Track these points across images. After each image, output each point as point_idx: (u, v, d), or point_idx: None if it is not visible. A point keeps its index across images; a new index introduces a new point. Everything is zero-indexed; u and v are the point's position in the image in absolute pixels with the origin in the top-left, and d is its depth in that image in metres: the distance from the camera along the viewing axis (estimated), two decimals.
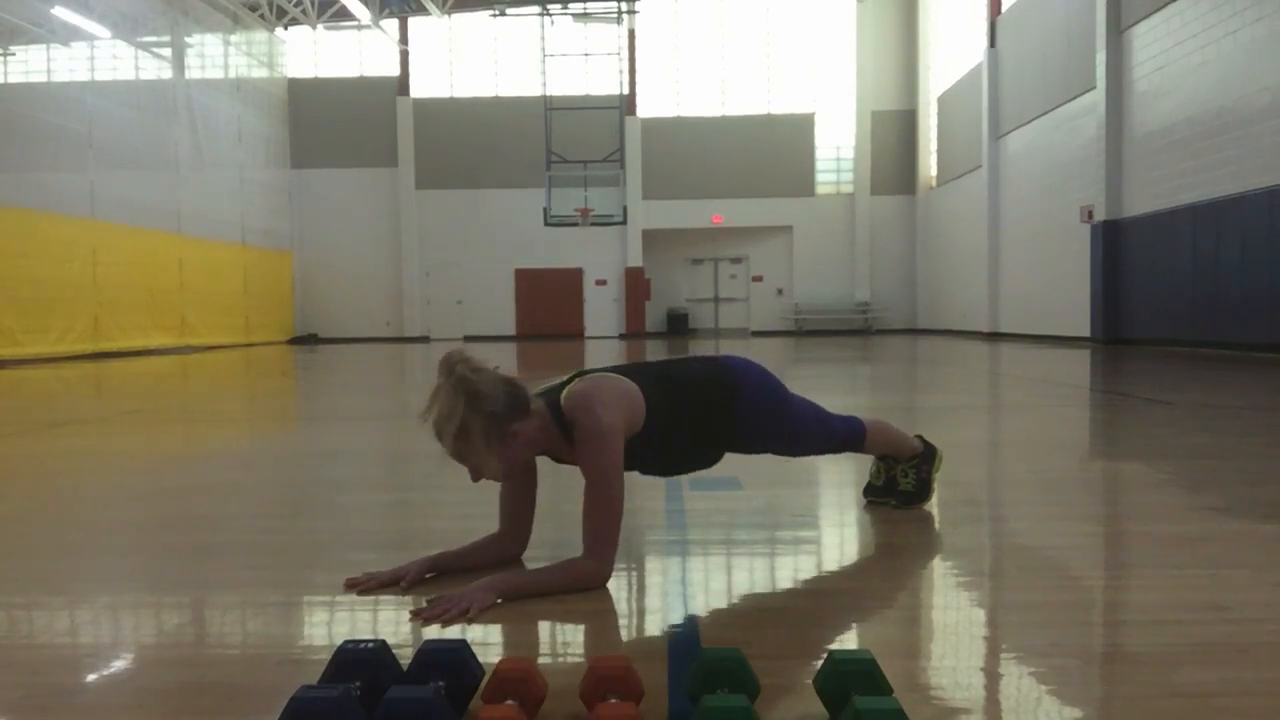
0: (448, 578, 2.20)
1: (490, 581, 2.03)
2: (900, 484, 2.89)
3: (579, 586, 2.09)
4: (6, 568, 2.50)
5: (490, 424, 2.07)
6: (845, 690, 1.37)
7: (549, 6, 23.09)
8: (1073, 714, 1.48)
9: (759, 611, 2.04)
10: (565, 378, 2.32)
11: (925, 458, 2.88)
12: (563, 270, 26.04)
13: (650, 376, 2.36)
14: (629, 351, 16.82)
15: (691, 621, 1.93)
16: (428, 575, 2.20)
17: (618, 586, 2.19)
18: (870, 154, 26.34)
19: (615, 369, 2.38)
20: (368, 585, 2.14)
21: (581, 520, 2.14)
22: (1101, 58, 14.95)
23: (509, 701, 1.38)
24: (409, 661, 1.50)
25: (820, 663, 1.45)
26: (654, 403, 2.29)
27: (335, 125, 25.86)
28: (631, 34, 25.44)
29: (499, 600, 2.00)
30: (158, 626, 1.98)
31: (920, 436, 2.91)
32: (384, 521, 3.08)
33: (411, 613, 1.97)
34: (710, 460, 2.59)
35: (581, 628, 1.93)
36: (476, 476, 2.17)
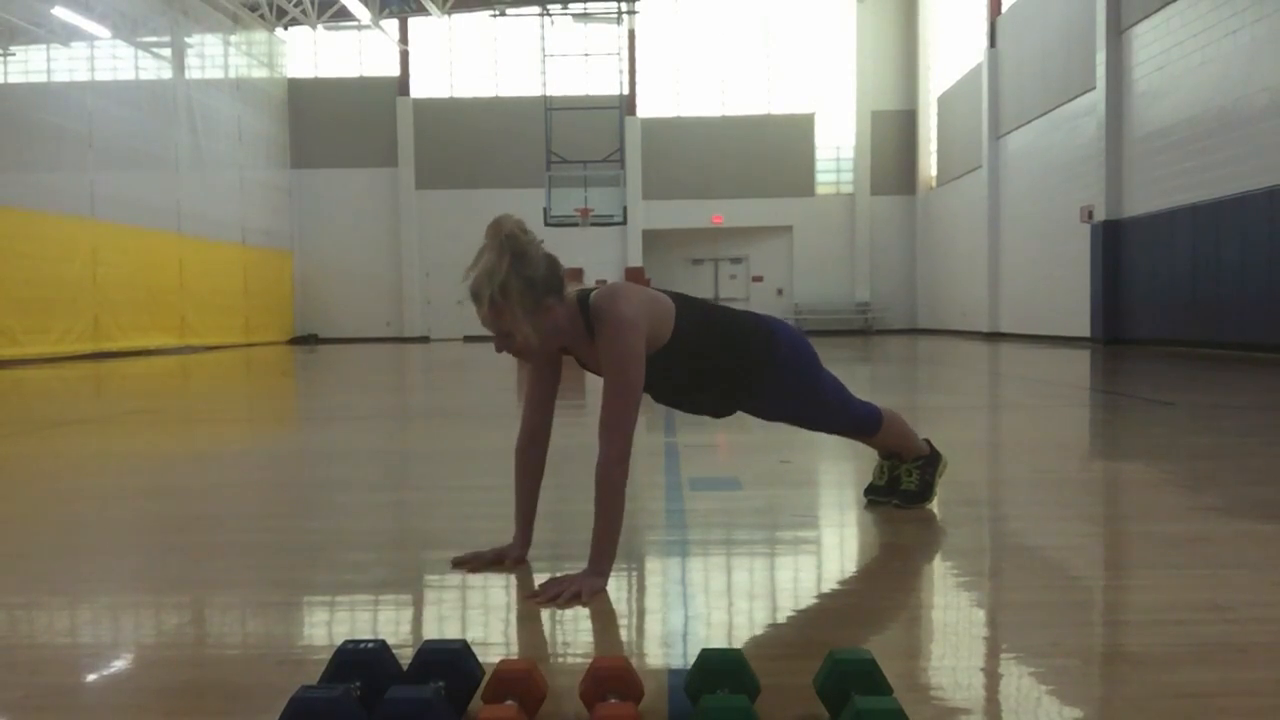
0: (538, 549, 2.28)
1: (591, 567, 2.10)
2: (904, 484, 2.89)
3: (617, 485, 2.13)
4: (6, 568, 2.50)
5: (528, 290, 2.10)
6: (845, 690, 1.37)
7: (549, 6, 23.09)
8: (1073, 714, 1.48)
9: (759, 611, 2.04)
10: (597, 284, 2.36)
11: (930, 461, 2.89)
12: (562, 270, 26.01)
13: (694, 305, 2.40)
14: None
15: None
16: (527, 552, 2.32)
17: (617, 586, 2.19)
18: (870, 154, 26.34)
19: (664, 292, 2.41)
20: (475, 565, 2.27)
21: (601, 407, 2.16)
22: (1101, 58, 14.95)
23: (509, 701, 1.38)
24: (409, 661, 1.50)
25: (820, 663, 1.45)
26: (688, 325, 2.32)
27: (335, 125, 25.86)
28: (631, 34, 25.44)
29: (606, 581, 2.10)
30: (158, 626, 1.98)
31: (928, 441, 2.92)
32: (384, 521, 3.08)
33: (526, 595, 2.07)
34: (725, 409, 2.61)
35: (581, 628, 1.93)
36: (502, 345, 2.18)
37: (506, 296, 2.08)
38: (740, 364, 2.47)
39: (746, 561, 2.45)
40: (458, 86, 26.30)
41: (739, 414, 2.71)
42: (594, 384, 7.69)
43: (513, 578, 2.24)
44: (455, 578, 2.24)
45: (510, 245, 2.09)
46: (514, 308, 2.09)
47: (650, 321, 2.24)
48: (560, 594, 2.01)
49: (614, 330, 2.15)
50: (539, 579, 2.21)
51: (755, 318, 2.57)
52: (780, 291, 26.88)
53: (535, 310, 2.12)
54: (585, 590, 2.03)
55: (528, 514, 2.37)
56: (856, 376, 9.87)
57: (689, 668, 1.47)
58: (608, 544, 2.13)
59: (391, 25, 25.61)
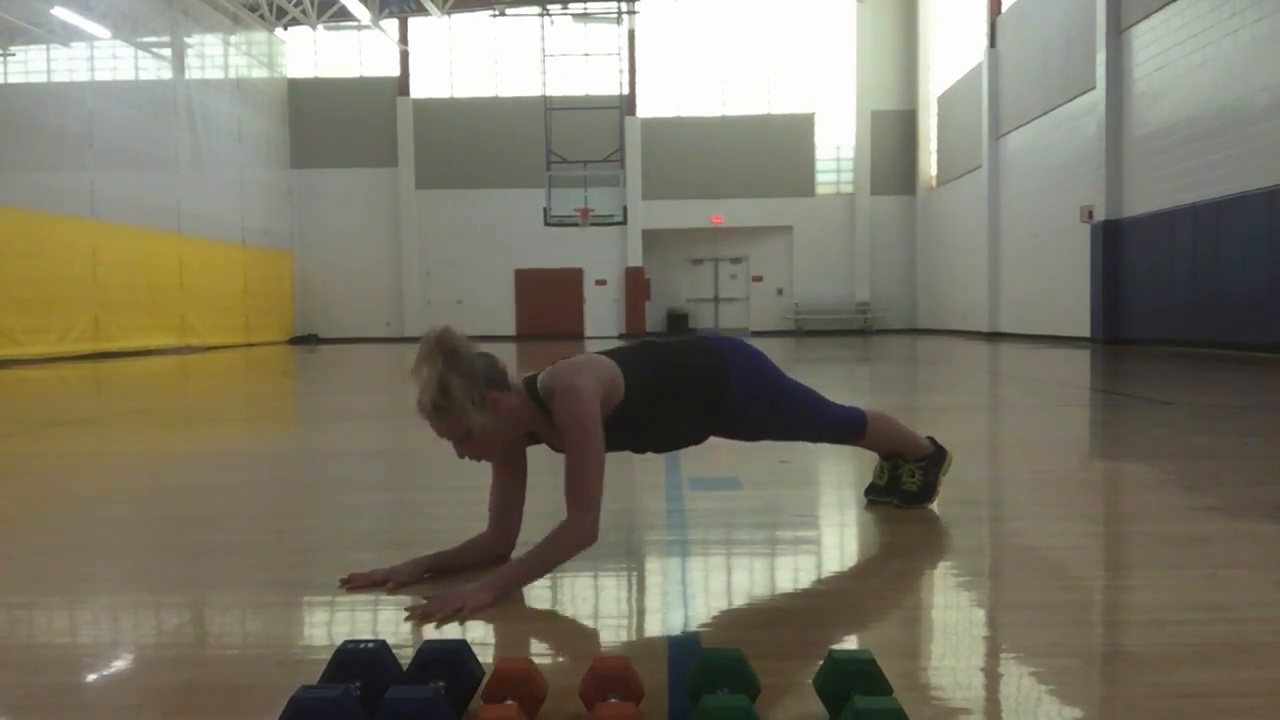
0: (443, 578, 2.20)
1: (487, 581, 2.03)
2: (904, 483, 2.88)
3: (570, 553, 2.10)
4: (6, 568, 2.50)
5: (469, 384, 2.10)
6: (845, 690, 1.37)
7: (549, 6, 23.08)
8: (1073, 714, 1.48)
9: (759, 611, 2.04)
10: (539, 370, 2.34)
11: (934, 459, 2.87)
12: (563, 270, 26.04)
13: (635, 358, 2.39)
14: None
15: (693, 636, 1.93)
16: (425, 575, 2.20)
17: (618, 586, 2.19)
18: (870, 154, 26.33)
19: (604, 354, 2.41)
20: (358, 582, 2.15)
21: (564, 480, 2.14)
22: (1101, 58, 14.94)
23: (509, 701, 1.38)
24: (409, 661, 1.50)
25: (820, 663, 1.45)
26: (638, 381, 2.32)
27: (335, 125, 25.86)
28: (631, 34, 25.44)
29: (494, 601, 1.99)
30: (158, 626, 1.99)
31: (932, 438, 2.91)
32: (384, 521, 3.08)
33: (407, 610, 1.98)
34: (699, 435, 2.60)
35: (582, 628, 1.93)
36: (463, 450, 2.17)
37: (448, 395, 2.08)
38: (699, 387, 2.47)
39: (746, 561, 2.45)
40: (458, 86, 26.30)
41: None
42: None
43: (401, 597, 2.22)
44: (449, 579, 2.23)
45: (440, 347, 2.10)
46: (460, 403, 2.09)
47: (602, 384, 2.23)
48: (443, 609, 1.92)
49: (567, 400, 2.16)
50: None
51: (702, 341, 2.59)
52: (780, 291, 26.87)
53: (482, 404, 2.12)
54: (468, 605, 1.93)
55: (446, 558, 2.26)
56: (856, 376, 9.87)
57: (689, 668, 1.47)
58: (518, 578, 2.08)
59: (391, 25, 25.60)
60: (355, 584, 2.15)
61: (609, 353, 2.40)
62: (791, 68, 26.31)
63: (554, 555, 2.10)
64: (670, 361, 2.46)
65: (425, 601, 1.97)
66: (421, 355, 2.12)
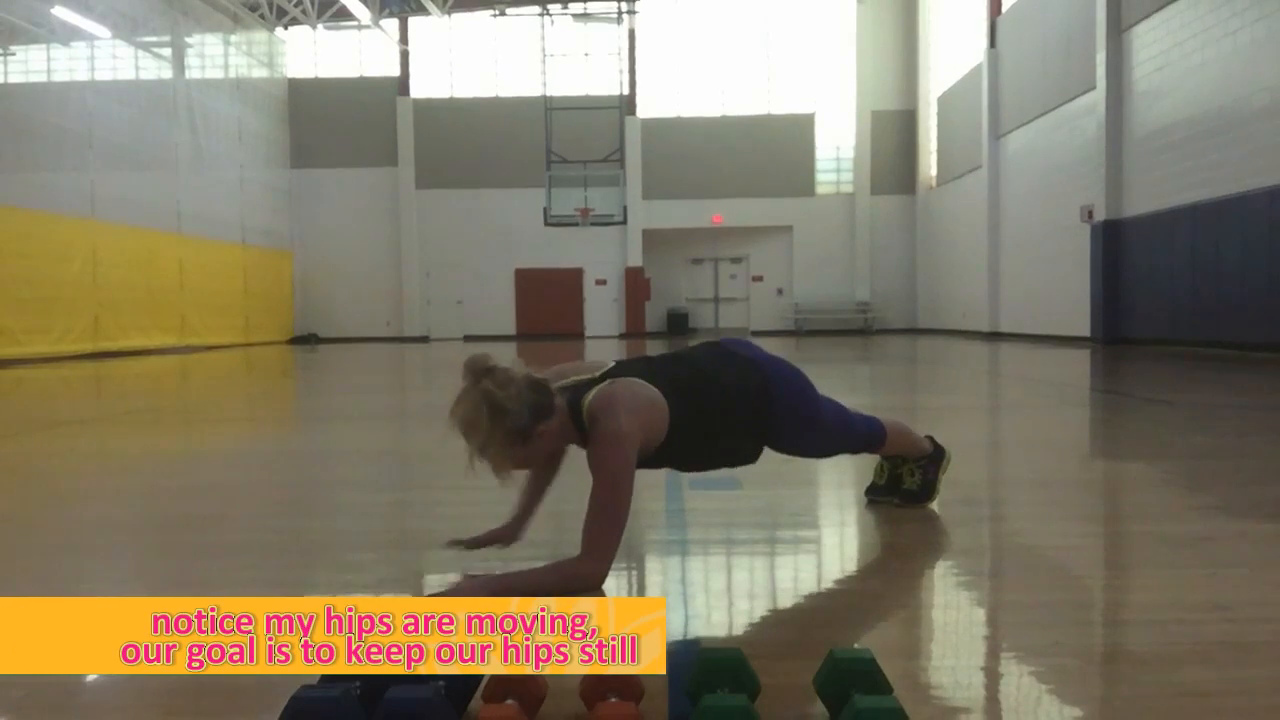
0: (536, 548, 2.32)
1: (482, 581, 2.03)
2: (905, 483, 2.88)
3: (573, 588, 2.04)
4: (6, 568, 2.50)
5: (514, 436, 2.08)
6: (845, 690, 1.37)
7: (549, 6, 23.10)
8: (1073, 714, 1.48)
9: (759, 611, 2.04)
10: (596, 374, 2.27)
11: (934, 459, 2.87)
12: (563, 270, 26.04)
13: (682, 382, 2.31)
14: (629, 351, 16.82)
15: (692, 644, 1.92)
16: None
17: (617, 587, 2.19)
18: (870, 154, 26.33)
19: (648, 360, 2.37)
20: (468, 544, 2.38)
21: (585, 521, 2.12)
22: (1101, 58, 14.94)
23: (509, 701, 1.38)
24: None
25: (820, 663, 1.45)
26: (686, 411, 2.26)
27: (335, 125, 25.85)
28: (631, 34, 25.43)
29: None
30: None
31: (931, 438, 2.91)
32: (384, 521, 3.08)
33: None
34: (749, 457, 2.55)
35: None
36: (502, 481, 2.20)
37: (486, 453, 2.08)
38: (745, 409, 2.40)
39: (746, 561, 2.45)
40: (458, 86, 26.30)
41: None
42: None
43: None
44: (455, 577, 2.24)
45: (488, 402, 2.04)
46: (496, 454, 2.09)
47: (646, 430, 2.19)
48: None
49: (608, 448, 2.10)
50: (536, 563, 2.21)
51: (743, 365, 2.47)
52: (780, 291, 26.87)
53: (526, 442, 2.11)
54: (462, 590, 2.02)
55: (527, 506, 2.44)
56: (856, 377, 9.87)
57: (689, 668, 1.47)
58: (521, 587, 1.99)
59: (391, 25, 25.60)
60: (466, 545, 2.37)
61: (656, 368, 2.32)
62: (791, 68, 26.31)
63: (555, 584, 2.03)
64: (715, 389, 2.36)
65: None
66: (463, 396, 2.07)
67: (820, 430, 2.60)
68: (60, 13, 16.44)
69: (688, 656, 1.51)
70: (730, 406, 2.37)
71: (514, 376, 2.09)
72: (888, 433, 2.76)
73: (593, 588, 2.07)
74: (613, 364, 2.31)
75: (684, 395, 2.27)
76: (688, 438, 2.28)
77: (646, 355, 2.47)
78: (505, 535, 2.40)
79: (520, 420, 2.07)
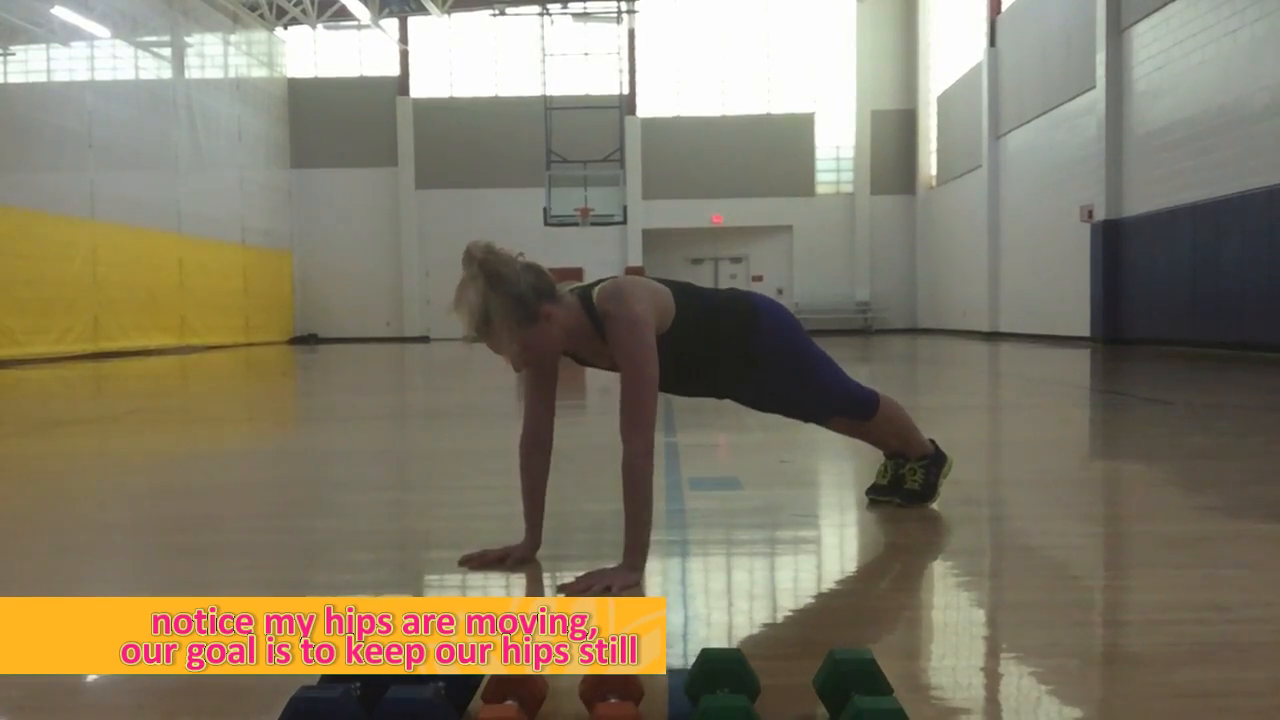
0: (462, 578, 2.23)
1: (625, 563, 2.12)
2: (907, 482, 2.88)
3: (646, 480, 2.14)
4: (6, 568, 2.50)
5: (515, 306, 2.12)
6: (845, 690, 1.37)
7: (549, 6, 23.09)
8: (1073, 714, 1.48)
9: (759, 611, 2.04)
10: (595, 280, 2.35)
11: (935, 461, 2.87)
12: (563, 270, 26.01)
13: (687, 291, 2.43)
14: None
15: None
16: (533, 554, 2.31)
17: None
18: (870, 154, 26.33)
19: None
20: (479, 563, 2.26)
21: (620, 407, 2.17)
22: (1101, 57, 14.94)
23: (509, 701, 1.38)
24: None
25: (820, 663, 1.45)
26: (685, 310, 2.36)
27: (335, 125, 25.85)
28: (631, 34, 25.43)
29: (640, 576, 2.11)
30: None
31: (933, 441, 2.91)
32: (384, 521, 3.08)
33: (560, 586, 2.09)
34: (723, 385, 2.63)
35: None
36: (518, 364, 2.23)
37: (489, 321, 2.11)
38: (730, 327, 2.50)
39: (746, 561, 2.45)
40: (458, 86, 26.29)
41: (739, 413, 2.71)
42: (594, 382, 7.69)
43: (512, 577, 2.24)
44: (455, 578, 2.24)
45: (483, 270, 2.11)
46: (500, 329, 2.12)
47: (656, 314, 2.27)
48: (592, 586, 2.04)
49: (628, 330, 2.18)
50: (553, 578, 2.21)
51: (737, 291, 2.65)
52: (780, 291, 26.85)
53: (532, 321, 2.14)
54: (616, 584, 2.04)
55: (534, 516, 2.37)
56: (857, 376, 9.86)
57: (689, 668, 1.47)
58: (640, 538, 2.15)
59: (391, 25, 25.60)
60: (476, 563, 2.26)
61: (664, 281, 2.41)
62: (791, 67, 26.31)
63: (638, 495, 2.14)
64: (706, 300, 2.49)
65: (574, 580, 2.08)
66: (464, 280, 2.13)
67: (807, 369, 2.64)
68: (60, 13, 16.43)
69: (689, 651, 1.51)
70: (717, 308, 2.49)
71: (512, 255, 2.17)
72: (881, 406, 2.78)
73: (648, 459, 2.15)
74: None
75: (688, 294, 2.40)
76: (687, 332, 2.35)
77: None
78: (522, 553, 2.32)
79: (518, 287, 2.12)
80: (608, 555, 2.25)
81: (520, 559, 2.29)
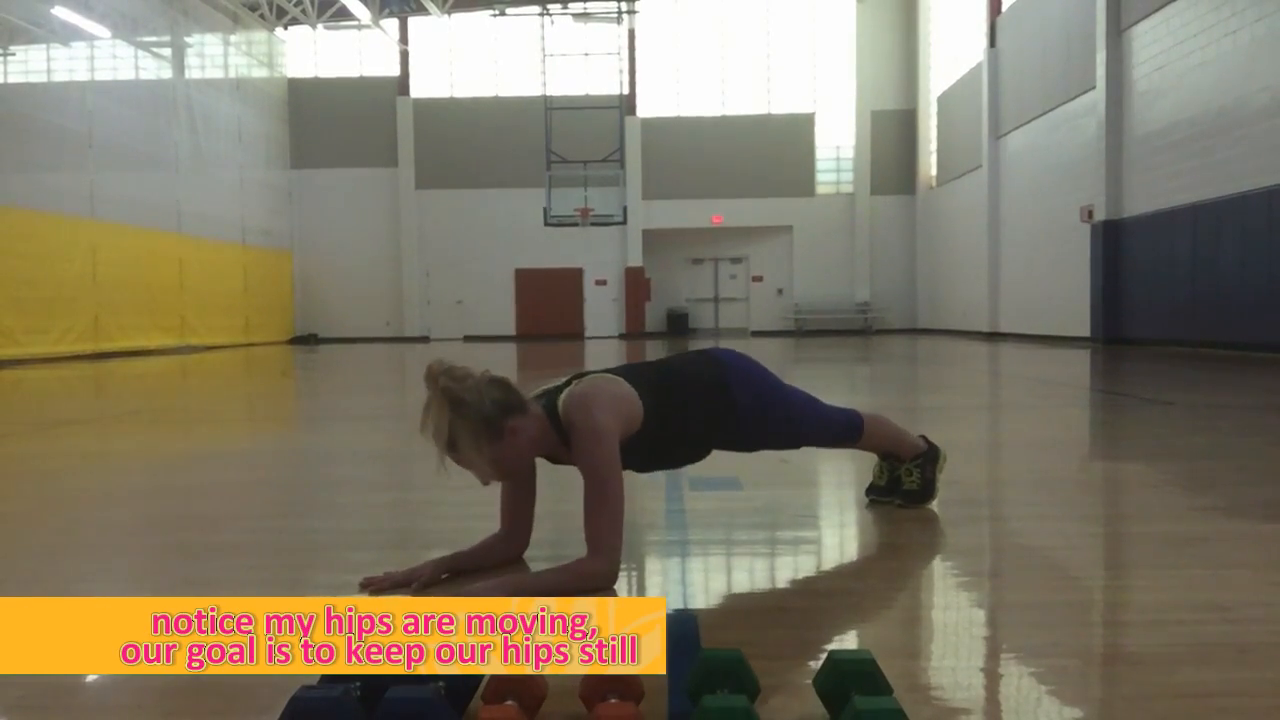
0: (461, 578, 2.20)
1: (499, 582, 2.04)
2: (904, 483, 2.88)
3: (587, 586, 2.06)
4: (6, 567, 2.50)
5: (479, 427, 2.10)
6: (845, 690, 1.37)
7: (549, 6, 23.10)
8: (1073, 714, 1.48)
9: (759, 611, 2.04)
10: (562, 380, 2.32)
11: (929, 458, 2.87)
12: (563, 270, 26.04)
13: (647, 379, 2.37)
14: (629, 351, 16.82)
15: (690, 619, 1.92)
16: (442, 576, 2.19)
17: (617, 587, 2.19)
18: (870, 154, 26.33)
19: (612, 370, 2.39)
20: (381, 584, 2.13)
21: (584, 522, 2.14)
22: (1101, 58, 14.94)
23: (509, 701, 1.38)
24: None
25: (820, 663, 1.45)
26: (651, 404, 2.31)
27: (335, 125, 25.86)
28: (631, 34, 25.43)
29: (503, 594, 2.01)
30: None
31: (924, 437, 2.91)
32: (384, 521, 3.08)
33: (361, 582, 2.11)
34: (701, 453, 2.59)
35: None
36: (485, 480, 2.20)
37: (456, 447, 2.10)
38: (704, 399, 2.45)
39: (746, 561, 2.45)
40: (458, 86, 26.30)
41: None
42: None
43: None
44: (468, 579, 2.24)
45: (447, 397, 2.09)
46: (467, 451, 2.10)
47: (622, 421, 2.23)
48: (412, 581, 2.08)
49: (592, 443, 2.15)
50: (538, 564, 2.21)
51: (699, 357, 2.58)
52: (780, 291, 26.87)
53: (498, 438, 2.12)
54: (475, 590, 1.99)
55: (463, 559, 2.25)
56: (856, 377, 9.87)
57: (689, 668, 1.47)
58: (537, 588, 2.00)
59: (391, 25, 25.60)
60: (376, 585, 2.13)
61: (621, 373, 2.36)
62: (791, 68, 26.31)
63: (569, 584, 2.05)
64: (673, 380, 2.44)
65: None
66: (427, 402, 2.11)
67: (785, 413, 2.61)
68: (60, 13, 16.43)
69: (689, 647, 1.51)
70: (686, 383, 2.45)
71: (471, 372, 2.14)
72: (865, 424, 2.77)
73: (606, 585, 2.09)
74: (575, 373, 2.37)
75: (653, 385, 2.35)
76: (654, 426, 2.31)
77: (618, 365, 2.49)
78: (422, 574, 2.14)
79: (482, 409, 2.10)
80: None
81: (427, 583, 2.13)
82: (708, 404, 2.46)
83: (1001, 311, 20.30)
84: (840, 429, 2.75)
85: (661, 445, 2.40)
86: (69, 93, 16.70)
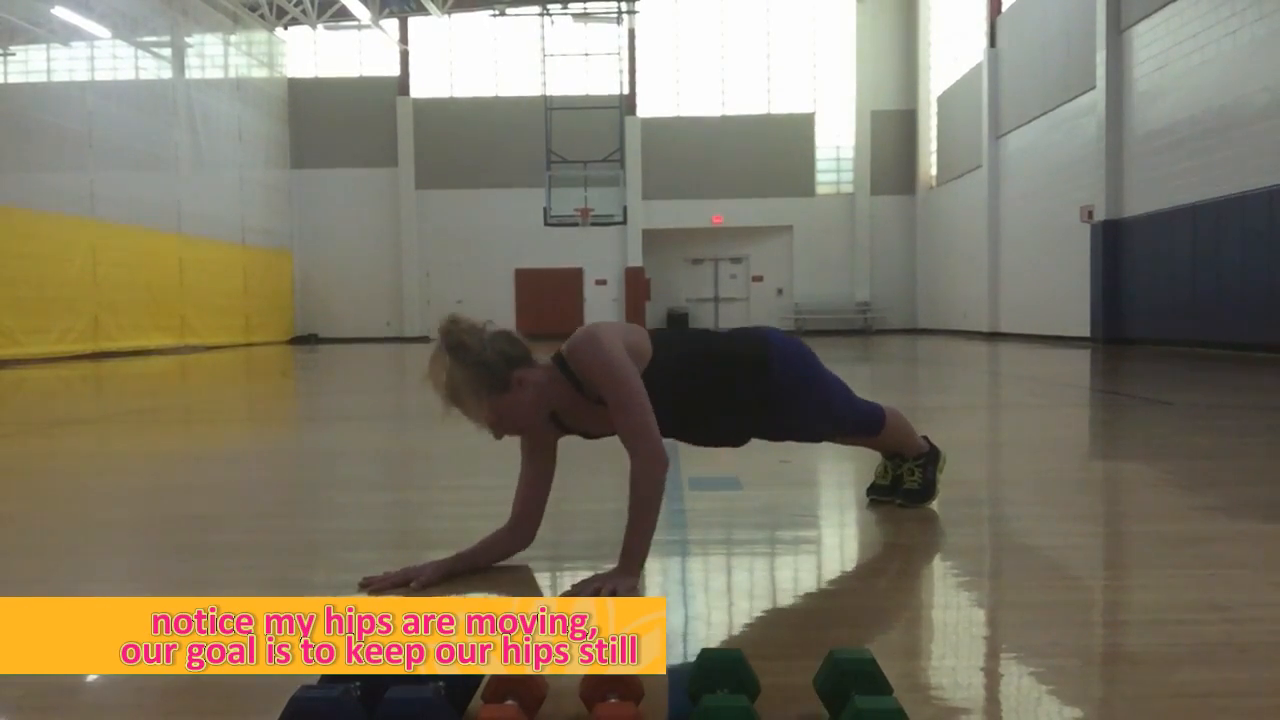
0: (463, 578, 2.19)
1: (622, 565, 2.08)
2: (906, 483, 2.88)
3: (657, 488, 2.11)
4: (7, 567, 2.50)
5: (482, 374, 2.10)
6: (845, 690, 1.37)
7: (549, 6, 23.09)
8: (1073, 714, 1.48)
9: (759, 611, 2.04)
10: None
11: (930, 458, 2.88)
12: (563, 270, 26.04)
13: (675, 335, 2.44)
14: None
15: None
16: (446, 578, 2.17)
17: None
18: (870, 154, 26.33)
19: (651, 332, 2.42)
20: (381, 584, 2.12)
21: (618, 428, 2.15)
22: (1101, 57, 14.94)
23: (509, 701, 1.38)
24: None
25: (820, 663, 1.45)
26: (672, 352, 2.33)
27: (335, 125, 25.85)
28: (631, 34, 25.43)
29: (637, 580, 2.07)
30: None
31: (926, 438, 2.91)
32: (384, 521, 3.08)
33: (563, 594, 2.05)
34: (740, 435, 2.59)
35: None
36: (498, 432, 2.19)
37: (458, 395, 2.10)
38: (740, 370, 2.43)
39: (746, 561, 2.45)
40: (458, 86, 26.29)
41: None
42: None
43: (513, 577, 2.24)
44: (475, 578, 2.23)
45: (447, 342, 2.10)
46: (471, 401, 2.10)
47: (624, 340, 2.23)
48: (592, 589, 2.01)
49: (593, 351, 2.15)
50: (552, 578, 2.21)
51: (745, 330, 2.60)
52: (780, 291, 26.87)
53: (503, 389, 2.12)
54: (620, 590, 2.01)
55: (466, 559, 2.23)
56: (857, 377, 9.87)
57: (689, 668, 1.47)
58: (640, 545, 2.11)
59: (391, 25, 25.60)
60: (377, 586, 2.10)
61: (655, 332, 2.40)
62: (791, 68, 26.31)
63: (646, 502, 2.11)
64: (711, 344, 2.47)
65: (571, 587, 2.04)
66: (432, 355, 2.13)
67: (822, 392, 2.61)
68: (60, 13, 16.43)
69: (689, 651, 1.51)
70: (723, 351, 2.46)
71: (478, 324, 2.16)
72: (887, 419, 2.77)
73: (661, 467, 2.12)
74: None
75: (680, 338, 2.43)
76: (673, 372, 2.30)
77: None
78: (422, 575, 2.12)
79: (483, 356, 2.10)
80: (608, 555, 2.25)
81: (425, 582, 2.11)
82: (746, 375, 2.44)
83: (1001, 311, 20.30)
84: (865, 421, 2.75)
85: (687, 403, 2.37)
86: (69, 93, 16.70)
